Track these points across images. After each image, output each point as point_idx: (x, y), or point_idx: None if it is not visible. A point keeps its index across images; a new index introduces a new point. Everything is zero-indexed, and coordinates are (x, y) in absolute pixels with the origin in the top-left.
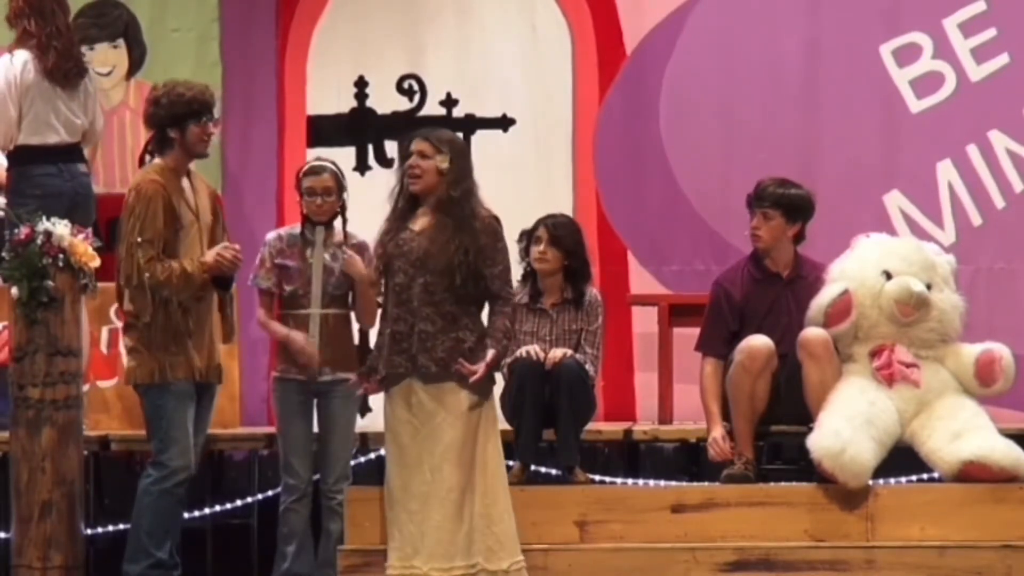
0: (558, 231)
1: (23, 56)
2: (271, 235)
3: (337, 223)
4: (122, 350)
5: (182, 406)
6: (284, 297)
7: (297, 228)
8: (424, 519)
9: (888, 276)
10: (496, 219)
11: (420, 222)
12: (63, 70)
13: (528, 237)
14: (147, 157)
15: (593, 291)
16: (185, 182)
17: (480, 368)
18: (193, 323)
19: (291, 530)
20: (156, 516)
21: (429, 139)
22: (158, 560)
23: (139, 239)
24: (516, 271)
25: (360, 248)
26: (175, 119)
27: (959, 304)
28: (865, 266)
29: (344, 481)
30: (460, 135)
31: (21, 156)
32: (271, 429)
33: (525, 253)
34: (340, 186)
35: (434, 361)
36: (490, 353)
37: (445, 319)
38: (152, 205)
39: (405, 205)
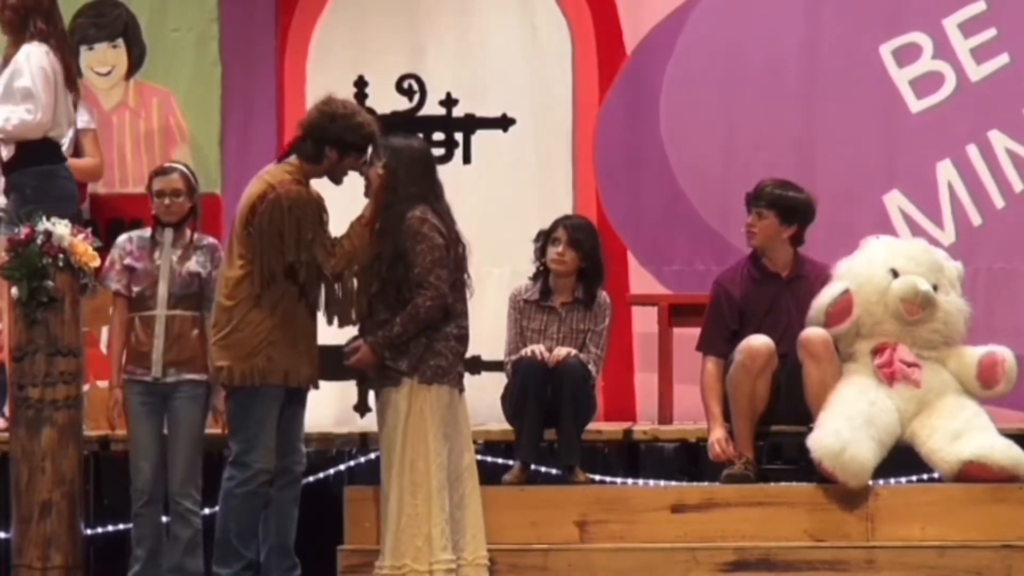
0: (577, 233)
1: (46, 48)
2: (122, 237)
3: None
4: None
5: (271, 409)
6: (132, 299)
7: (148, 231)
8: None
9: (895, 275)
10: (421, 220)
11: None
12: (73, 72)
13: (545, 237)
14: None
15: (603, 293)
16: None
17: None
18: (297, 328)
19: (141, 535)
20: (244, 517)
21: (377, 147)
22: (249, 561)
23: (310, 236)
24: (529, 269)
25: (211, 249)
26: (342, 144)
27: (964, 309)
28: (873, 264)
29: (190, 485)
30: (458, 136)
31: (46, 153)
32: None
33: (541, 253)
34: (190, 188)
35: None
36: (363, 346)
37: (381, 327)
38: (308, 208)
39: None
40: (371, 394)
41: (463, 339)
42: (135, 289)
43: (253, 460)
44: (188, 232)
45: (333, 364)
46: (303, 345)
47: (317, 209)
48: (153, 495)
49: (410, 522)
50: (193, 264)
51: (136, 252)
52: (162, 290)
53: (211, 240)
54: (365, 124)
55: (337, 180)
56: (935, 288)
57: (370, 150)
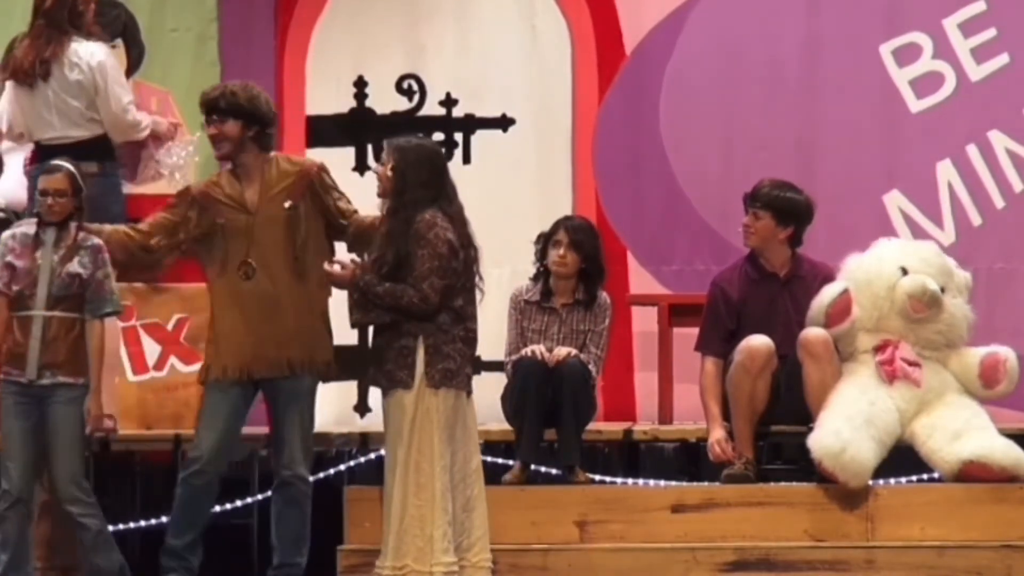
0: (578, 235)
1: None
2: (6, 234)
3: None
4: None
5: (210, 404)
6: (13, 298)
7: (33, 228)
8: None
9: (905, 273)
10: (430, 224)
11: None
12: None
13: (546, 239)
14: None
15: (603, 294)
16: (248, 175)
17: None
18: (224, 323)
19: (5, 538)
20: (177, 506)
21: (388, 146)
22: (170, 547)
23: None
24: (529, 269)
25: (95, 250)
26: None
27: (969, 315)
28: (884, 261)
29: (76, 489)
30: (458, 136)
31: (33, 157)
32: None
33: (542, 254)
34: (75, 188)
35: (383, 374)
36: (349, 269)
37: (390, 329)
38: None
39: None
40: (371, 394)
41: (471, 342)
42: (14, 288)
43: (191, 450)
44: (72, 232)
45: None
46: (227, 339)
47: (178, 197)
48: (21, 497)
49: (413, 523)
50: (75, 265)
51: (19, 250)
52: (41, 290)
53: (96, 241)
54: (207, 90)
55: (216, 154)
56: (943, 290)
57: (384, 149)
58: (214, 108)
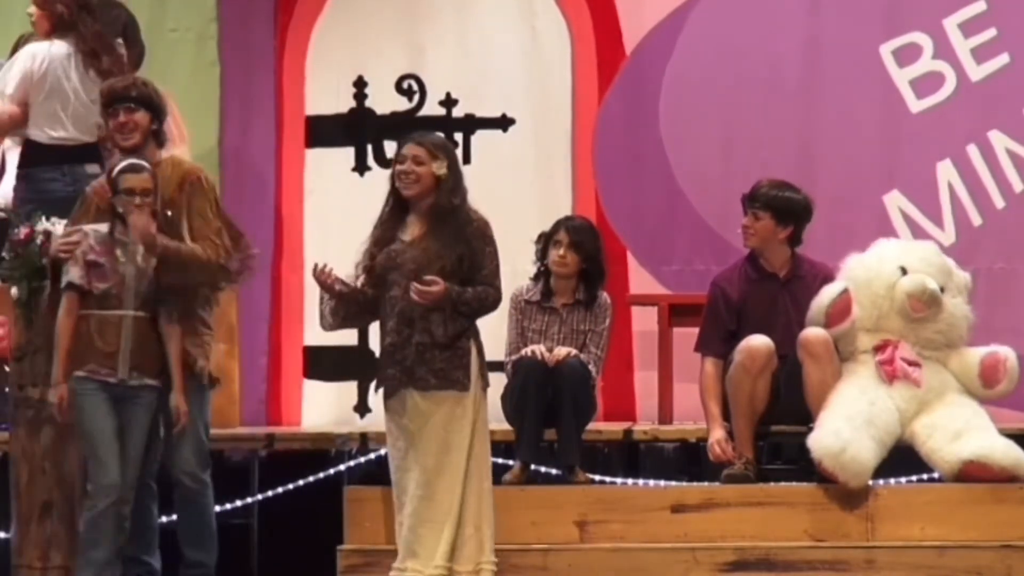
0: (579, 235)
1: (44, 46)
2: (88, 232)
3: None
4: None
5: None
6: (95, 296)
7: (105, 227)
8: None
9: (904, 272)
10: (485, 222)
11: (411, 231)
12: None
13: (547, 239)
14: None
15: (603, 294)
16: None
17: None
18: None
19: (99, 536)
20: None
21: (424, 144)
22: (125, 555)
23: None
24: (529, 269)
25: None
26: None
27: (968, 315)
28: (884, 261)
29: (131, 492)
30: (458, 136)
31: (29, 156)
32: (271, 429)
33: (542, 254)
34: (157, 187)
35: (432, 373)
36: (442, 285)
37: (446, 329)
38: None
39: (394, 212)
40: (371, 394)
41: None
42: (100, 286)
43: None
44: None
45: (333, 364)
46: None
47: (84, 206)
48: (123, 495)
49: (463, 522)
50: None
51: (98, 248)
52: (129, 290)
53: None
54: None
55: (118, 145)
56: (942, 290)
57: (409, 146)
58: (126, 97)
